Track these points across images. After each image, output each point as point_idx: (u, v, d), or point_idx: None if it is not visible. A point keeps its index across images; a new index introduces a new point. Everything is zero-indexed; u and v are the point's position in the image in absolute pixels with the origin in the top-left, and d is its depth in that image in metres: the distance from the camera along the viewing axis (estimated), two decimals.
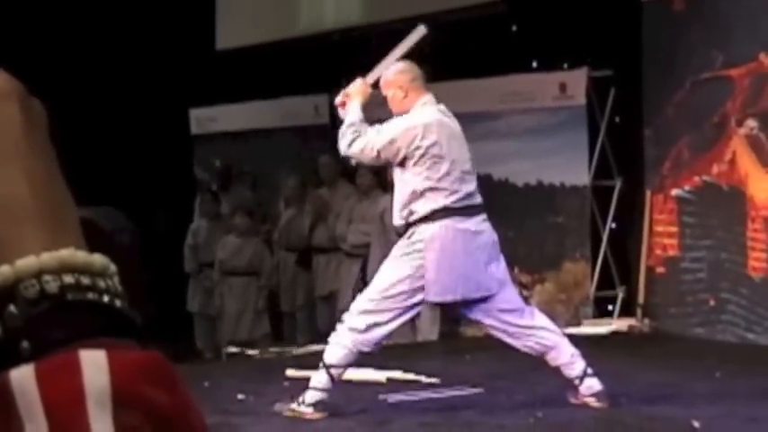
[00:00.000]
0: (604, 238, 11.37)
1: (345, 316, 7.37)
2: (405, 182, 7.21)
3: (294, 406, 7.35)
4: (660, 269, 11.02)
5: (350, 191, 11.94)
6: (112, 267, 0.84)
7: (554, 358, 7.20)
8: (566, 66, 11.50)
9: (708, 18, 10.49)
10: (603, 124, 11.37)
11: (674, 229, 10.88)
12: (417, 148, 7.10)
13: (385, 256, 10.87)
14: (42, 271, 0.80)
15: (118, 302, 0.82)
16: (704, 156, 10.54)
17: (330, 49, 13.15)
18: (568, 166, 11.39)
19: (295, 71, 13.32)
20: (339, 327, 7.36)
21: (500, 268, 7.25)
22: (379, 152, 7.15)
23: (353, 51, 13.05)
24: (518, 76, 11.73)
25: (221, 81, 13.67)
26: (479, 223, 7.23)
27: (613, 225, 11.44)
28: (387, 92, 7.31)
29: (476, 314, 7.27)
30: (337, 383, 7.33)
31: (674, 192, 10.86)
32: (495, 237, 7.29)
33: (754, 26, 10.06)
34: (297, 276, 12.53)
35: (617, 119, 11.48)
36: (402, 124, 7.17)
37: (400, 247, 7.30)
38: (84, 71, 12.67)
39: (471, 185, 7.29)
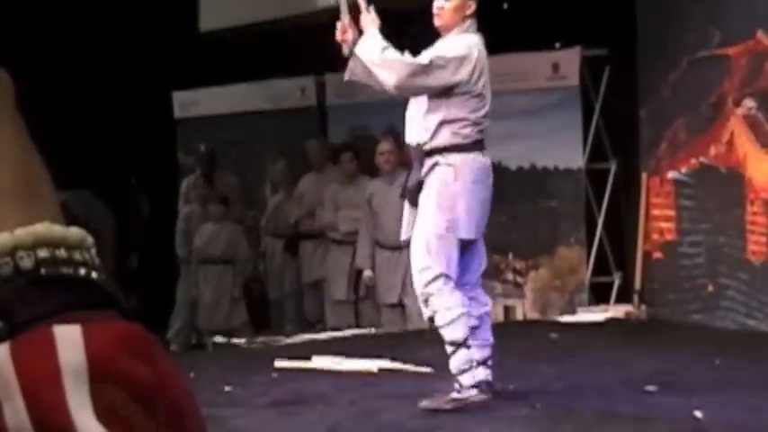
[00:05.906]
0: (600, 222, 11.25)
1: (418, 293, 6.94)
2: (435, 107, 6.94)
3: (454, 395, 6.93)
4: (657, 254, 10.92)
5: (337, 175, 11.71)
6: (89, 240, 0.83)
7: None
8: (558, 45, 11.36)
9: None
10: (598, 105, 11.20)
11: (671, 212, 10.79)
12: (469, 81, 6.90)
13: (373, 241, 10.77)
14: (17, 248, 0.80)
15: (95, 275, 0.82)
16: (701, 137, 10.43)
17: (317, 30, 12.93)
18: (562, 149, 11.26)
19: (281, 53, 13.15)
20: (423, 307, 6.97)
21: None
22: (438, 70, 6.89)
23: None
24: (509, 56, 11.50)
25: (205, 63, 13.51)
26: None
27: (608, 209, 11.28)
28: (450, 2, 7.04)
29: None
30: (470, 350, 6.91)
31: (671, 174, 10.75)
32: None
33: (752, 3, 9.95)
34: (284, 263, 12.32)
35: (611, 99, 11.31)
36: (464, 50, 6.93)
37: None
38: (65, 53, 12.54)
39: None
